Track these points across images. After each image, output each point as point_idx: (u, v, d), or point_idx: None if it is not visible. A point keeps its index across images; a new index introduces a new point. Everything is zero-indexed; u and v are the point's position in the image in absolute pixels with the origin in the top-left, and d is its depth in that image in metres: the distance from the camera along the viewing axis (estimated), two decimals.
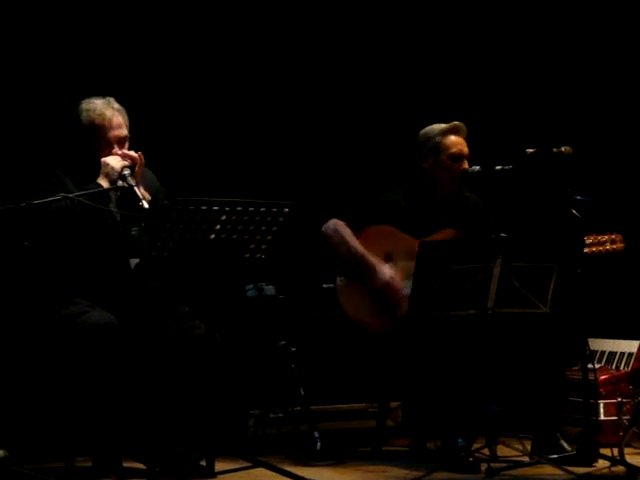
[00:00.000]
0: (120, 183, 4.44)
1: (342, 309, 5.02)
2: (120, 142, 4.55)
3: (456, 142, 5.05)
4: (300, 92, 6.10)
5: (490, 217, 5.17)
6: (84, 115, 4.55)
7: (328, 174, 6.13)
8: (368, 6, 6.23)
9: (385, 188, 5.18)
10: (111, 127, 4.54)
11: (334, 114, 6.18)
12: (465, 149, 5.06)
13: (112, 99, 4.59)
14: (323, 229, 5.06)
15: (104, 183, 4.47)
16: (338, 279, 5.05)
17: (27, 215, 4.25)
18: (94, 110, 4.55)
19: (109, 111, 4.55)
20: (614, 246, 5.00)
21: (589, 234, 4.98)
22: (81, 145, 4.57)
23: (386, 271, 4.91)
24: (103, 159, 4.49)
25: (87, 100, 4.59)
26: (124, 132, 4.57)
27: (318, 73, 6.14)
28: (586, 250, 4.95)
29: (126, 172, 4.46)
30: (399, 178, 5.26)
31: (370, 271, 4.93)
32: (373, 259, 4.93)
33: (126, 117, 4.59)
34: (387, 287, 4.88)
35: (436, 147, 5.05)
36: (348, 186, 6.04)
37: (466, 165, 5.03)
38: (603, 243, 4.98)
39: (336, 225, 5.03)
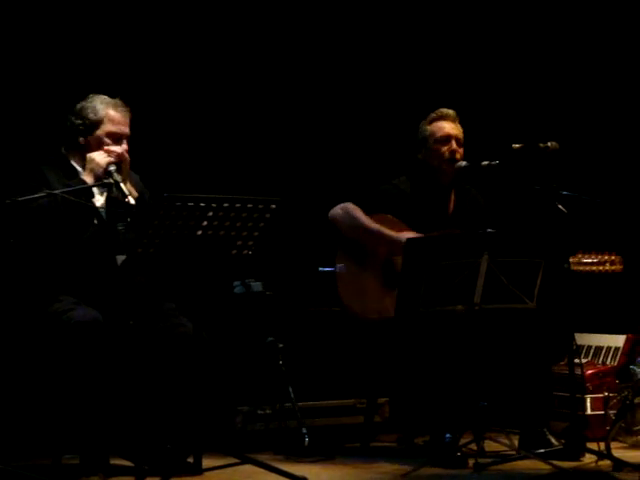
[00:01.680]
0: (106, 179, 4.43)
1: (339, 295, 5.00)
2: (120, 139, 4.55)
3: (440, 127, 5.07)
4: (294, 88, 6.09)
5: (487, 213, 5.18)
6: (90, 104, 4.56)
7: (320, 166, 6.12)
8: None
9: (388, 176, 5.19)
10: (117, 121, 4.54)
11: (323, 106, 6.18)
12: (453, 131, 5.07)
13: (119, 100, 4.60)
14: (332, 213, 5.07)
15: (88, 179, 4.46)
16: (338, 266, 5.04)
17: (12, 212, 4.24)
18: (101, 102, 4.57)
19: (114, 106, 4.56)
20: (613, 267, 5.08)
21: (589, 253, 5.03)
22: (78, 137, 4.55)
23: (407, 234, 4.89)
24: (88, 155, 4.49)
25: (94, 94, 4.60)
26: (126, 130, 4.57)
27: (316, 66, 6.14)
28: (587, 269, 5.02)
29: (112, 168, 4.45)
30: (401, 167, 5.27)
31: (389, 240, 4.92)
32: (390, 231, 4.94)
33: (129, 117, 4.59)
34: None
35: (424, 136, 5.10)
36: (349, 175, 6.04)
37: (454, 145, 5.04)
38: (603, 263, 5.06)
39: (347, 207, 5.04)
